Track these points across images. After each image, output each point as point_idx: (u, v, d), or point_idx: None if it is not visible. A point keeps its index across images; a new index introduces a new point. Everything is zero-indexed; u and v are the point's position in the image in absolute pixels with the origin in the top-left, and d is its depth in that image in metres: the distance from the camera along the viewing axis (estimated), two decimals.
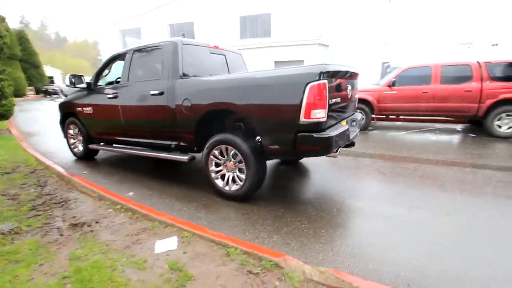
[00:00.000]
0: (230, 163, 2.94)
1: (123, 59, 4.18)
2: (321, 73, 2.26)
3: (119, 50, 4.07)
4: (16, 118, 9.58)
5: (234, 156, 2.88)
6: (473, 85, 5.58)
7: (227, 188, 3.00)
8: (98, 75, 4.23)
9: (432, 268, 1.81)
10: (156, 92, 3.25)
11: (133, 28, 21.41)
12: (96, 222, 2.49)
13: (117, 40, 22.40)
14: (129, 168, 4.33)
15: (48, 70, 31.26)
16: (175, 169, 4.25)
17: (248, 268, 1.78)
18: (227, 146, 2.85)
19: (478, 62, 5.64)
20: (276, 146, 2.59)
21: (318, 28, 15.09)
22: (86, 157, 4.70)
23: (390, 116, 7.21)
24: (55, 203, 2.96)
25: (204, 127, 3.11)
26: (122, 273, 1.78)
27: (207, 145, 2.99)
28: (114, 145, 4.29)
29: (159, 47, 3.39)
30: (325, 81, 2.29)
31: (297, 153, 2.53)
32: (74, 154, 4.82)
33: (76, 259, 1.94)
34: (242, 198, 2.92)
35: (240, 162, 2.82)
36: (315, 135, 2.34)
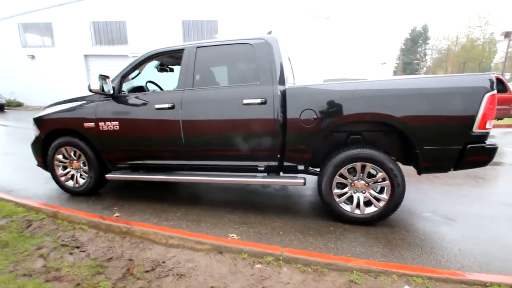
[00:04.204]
0: (361, 183, 2.55)
1: (172, 58, 3.20)
2: (492, 83, 2.21)
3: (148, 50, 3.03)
4: None
5: (369, 174, 2.51)
6: None
7: (357, 212, 2.58)
8: (124, 78, 3.08)
9: None
10: (257, 101, 2.56)
11: (40, 22, 17.14)
12: None
13: (13, 36, 17.50)
14: (165, 199, 3.28)
15: None
16: (216, 194, 3.47)
17: None
18: (364, 163, 2.47)
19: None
20: (435, 159, 2.39)
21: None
22: (90, 192, 3.33)
23: None
24: (145, 271, 1.91)
25: (323, 142, 2.63)
26: None
27: (335, 163, 2.52)
28: (141, 171, 3.20)
29: (246, 44, 2.71)
30: (496, 91, 2.25)
31: (458, 165, 2.39)
32: (66, 189, 3.36)
33: None
34: (379, 221, 2.57)
35: (382, 180, 2.47)
36: (487, 145, 2.26)
